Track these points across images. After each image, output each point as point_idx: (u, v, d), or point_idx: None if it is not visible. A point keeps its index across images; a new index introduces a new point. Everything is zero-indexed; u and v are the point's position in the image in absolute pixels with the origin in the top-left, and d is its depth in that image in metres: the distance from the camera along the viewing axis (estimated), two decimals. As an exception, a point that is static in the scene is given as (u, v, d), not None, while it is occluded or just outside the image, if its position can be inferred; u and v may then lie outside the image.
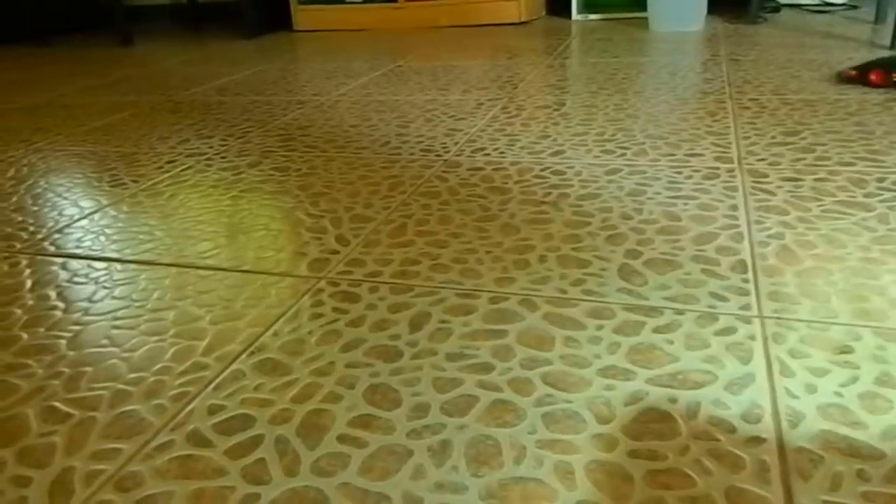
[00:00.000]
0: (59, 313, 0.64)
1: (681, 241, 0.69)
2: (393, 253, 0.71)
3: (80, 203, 0.92)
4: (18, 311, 0.65)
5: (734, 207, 0.76)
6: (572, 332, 0.55)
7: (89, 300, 0.66)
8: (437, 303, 0.61)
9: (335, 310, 0.61)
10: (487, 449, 0.44)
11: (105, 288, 0.68)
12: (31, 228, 0.85)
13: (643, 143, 0.99)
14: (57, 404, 0.51)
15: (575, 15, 2.39)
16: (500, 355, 0.53)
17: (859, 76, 1.21)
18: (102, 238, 0.80)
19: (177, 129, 1.27)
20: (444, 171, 0.94)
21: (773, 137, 0.98)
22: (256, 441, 0.46)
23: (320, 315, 0.60)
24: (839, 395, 0.46)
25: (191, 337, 0.59)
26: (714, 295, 0.59)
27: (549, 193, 0.83)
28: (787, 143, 0.95)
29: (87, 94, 1.67)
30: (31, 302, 0.67)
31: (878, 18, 1.87)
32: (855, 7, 2.14)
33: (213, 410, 0.49)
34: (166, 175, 1.01)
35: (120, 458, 0.45)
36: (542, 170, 0.91)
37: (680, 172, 0.87)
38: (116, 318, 0.62)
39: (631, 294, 0.60)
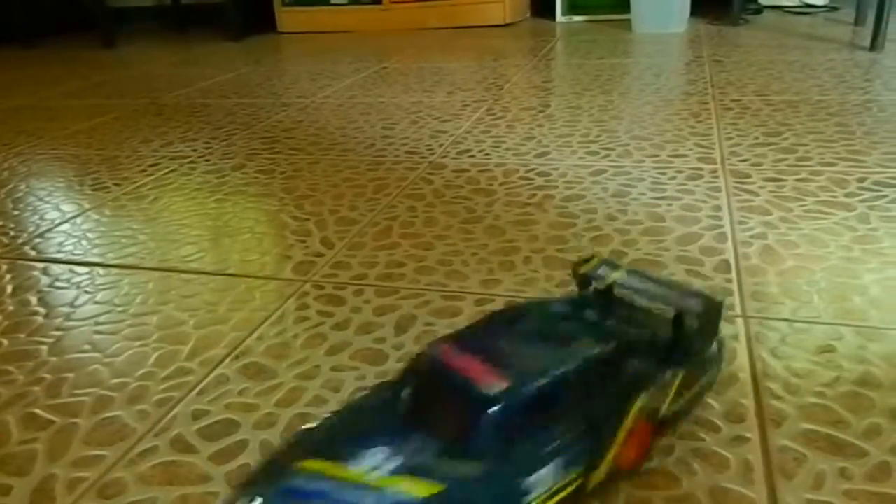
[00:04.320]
0: (40, 319, 0.63)
1: (665, 241, 0.69)
2: (378, 255, 0.71)
3: (62, 207, 0.91)
4: (-1, 317, 0.64)
5: (717, 208, 0.76)
6: (558, 334, 0.55)
7: (71, 305, 0.65)
8: (422, 305, 0.61)
9: (320, 313, 0.61)
10: (473, 451, 0.43)
11: (87, 293, 0.68)
12: (12, 233, 0.84)
13: (627, 145, 1.00)
14: (38, 411, 0.51)
15: (559, 17, 2.40)
16: (485, 357, 0.53)
17: None
18: (84, 242, 0.80)
19: (160, 132, 1.26)
20: (429, 173, 0.94)
21: (756, 138, 0.99)
22: (241, 446, 0.45)
23: (305, 318, 0.60)
24: (822, 394, 0.46)
25: (174, 341, 0.58)
26: (698, 295, 0.59)
27: (535, 195, 0.83)
28: (769, 144, 0.96)
29: (70, 97, 1.65)
30: (11, 307, 0.66)
31: (858, 20, 1.89)
32: (835, 9, 2.16)
33: (197, 415, 0.49)
34: (149, 178, 1.00)
35: (102, 465, 0.45)
36: (528, 171, 0.92)
37: (664, 173, 0.88)
38: (99, 323, 0.62)
39: (616, 295, 0.60)
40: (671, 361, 0.40)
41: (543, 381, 0.34)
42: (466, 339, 0.38)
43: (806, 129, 1.02)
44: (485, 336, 0.38)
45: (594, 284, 0.44)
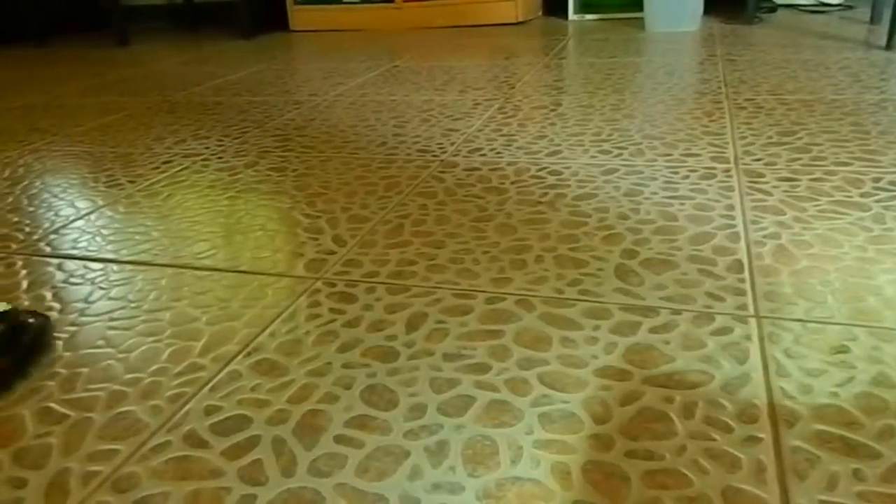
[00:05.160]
0: (55, 314, 0.64)
1: (677, 241, 0.69)
2: (389, 253, 0.71)
3: (77, 204, 0.92)
4: (14, 312, 0.65)
5: (730, 207, 0.76)
6: (569, 333, 0.55)
7: (85, 301, 0.66)
8: (433, 303, 0.61)
9: (332, 310, 0.61)
10: (484, 449, 0.44)
11: (101, 289, 0.68)
12: (27, 229, 0.85)
13: (640, 144, 1.00)
14: (53, 405, 0.51)
15: (571, 15, 2.39)
16: (496, 355, 0.53)
17: None
18: (99, 239, 0.80)
19: (173, 130, 1.27)
20: (440, 172, 0.94)
21: (770, 137, 0.98)
22: (253, 442, 0.46)
23: (317, 315, 0.60)
24: (835, 395, 0.46)
25: (187, 338, 0.58)
26: (710, 295, 0.59)
27: (546, 193, 0.83)
28: (783, 144, 0.95)
29: (84, 95, 1.66)
30: (27, 303, 0.67)
31: (874, 19, 1.88)
32: (851, 7, 2.15)
33: (209, 411, 0.49)
34: (163, 175, 1.01)
35: (116, 460, 0.45)
36: (539, 170, 0.91)
37: (676, 172, 0.87)
38: (113, 319, 0.62)
39: (627, 294, 0.60)
40: None
41: None
42: None
43: (820, 128, 1.01)
44: None
45: None
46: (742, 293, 0.59)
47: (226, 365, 0.54)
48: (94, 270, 0.72)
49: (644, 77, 1.44)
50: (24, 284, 0.70)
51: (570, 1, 2.38)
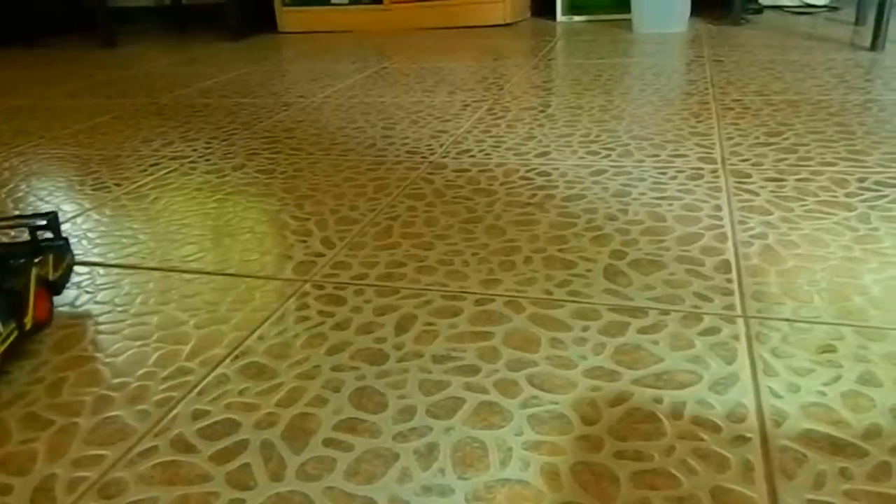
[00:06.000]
0: (40, 318, 0.63)
1: (665, 241, 0.69)
2: (378, 255, 0.71)
3: (63, 207, 0.91)
4: (-1, 317, 0.64)
5: (718, 208, 0.76)
6: (558, 334, 0.55)
7: (72, 305, 0.65)
8: (422, 305, 0.61)
9: (321, 313, 0.61)
10: (474, 451, 0.44)
11: (87, 292, 0.68)
12: (13, 233, 0.84)
13: (628, 145, 1.00)
14: (38, 411, 0.51)
15: (560, 16, 2.40)
16: (486, 357, 0.53)
17: None
18: (85, 242, 0.80)
19: (161, 132, 1.26)
20: (429, 173, 0.94)
21: (757, 138, 0.99)
22: (241, 446, 0.45)
23: (306, 318, 0.60)
24: (822, 394, 0.46)
25: (175, 341, 0.58)
26: (698, 295, 0.59)
27: (535, 195, 0.83)
28: (770, 144, 0.96)
29: (71, 97, 1.65)
30: (12, 307, 0.66)
31: (859, 20, 1.89)
32: (836, 9, 2.16)
33: (197, 415, 0.49)
34: (150, 178, 1.00)
35: (103, 465, 0.45)
36: (528, 171, 0.92)
37: (664, 173, 0.88)
38: (99, 323, 0.62)
39: (616, 295, 0.60)
40: (43, 251, 0.62)
41: None
42: None
43: (806, 128, 1.02)
44: None
45: None
46: (730, 293, 0.59)
47: (214, 369, 0.54)
48: (81, 274, 0.72)
49: (632, 78, 1.44)
50: (10, 289, 0.70)
51: (559, 2, 2.38)
